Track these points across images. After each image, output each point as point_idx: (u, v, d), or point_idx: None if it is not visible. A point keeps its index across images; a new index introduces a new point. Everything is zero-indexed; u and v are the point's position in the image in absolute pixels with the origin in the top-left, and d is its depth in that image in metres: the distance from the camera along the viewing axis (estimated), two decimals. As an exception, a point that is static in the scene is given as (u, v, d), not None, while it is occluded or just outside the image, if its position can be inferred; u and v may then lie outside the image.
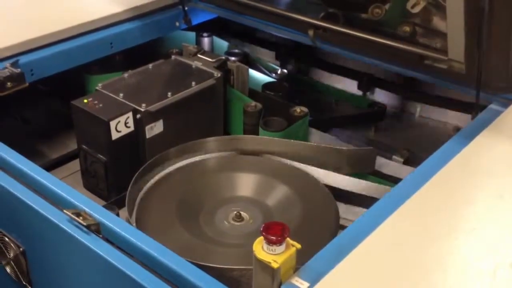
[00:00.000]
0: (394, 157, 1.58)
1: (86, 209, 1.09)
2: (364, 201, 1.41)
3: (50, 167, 1.62)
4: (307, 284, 0.87)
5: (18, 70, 1.49)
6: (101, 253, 1.03)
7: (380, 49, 1.45)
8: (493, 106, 1.34)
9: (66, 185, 1.17)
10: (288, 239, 0.87)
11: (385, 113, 1.82)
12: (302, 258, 0.91)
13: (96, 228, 1.06)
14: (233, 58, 1.77)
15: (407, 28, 1.46)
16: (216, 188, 1.40)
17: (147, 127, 1.45)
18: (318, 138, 1.64)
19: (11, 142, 1.31)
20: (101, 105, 1.44)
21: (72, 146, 1.66)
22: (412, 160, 1.57)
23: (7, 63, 1.50)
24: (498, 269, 0.91)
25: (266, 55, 2.10)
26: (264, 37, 2.09)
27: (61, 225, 1.09)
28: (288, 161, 1.47)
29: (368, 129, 1.80)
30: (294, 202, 1.34)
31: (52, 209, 1.13)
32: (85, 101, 1.45)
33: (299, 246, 0.87)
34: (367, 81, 1.88)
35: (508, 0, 1.18)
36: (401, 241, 0.98)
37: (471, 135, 1.22)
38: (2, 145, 1.29)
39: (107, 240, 1.06)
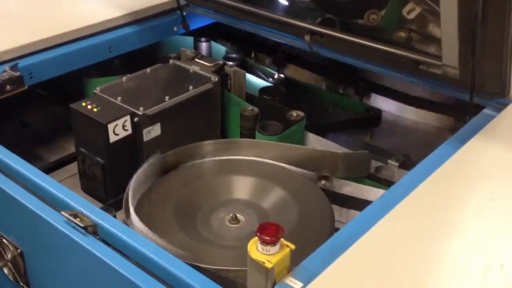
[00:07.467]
0: (389, 161, 1.59)
1: (84, 211, 1.10)
2: (359, 204, 1.42)
3: (48, 169, 1.63)
4: (300, 284, 0.88)
5: (17, 74, 1.50)
6: (98, 254, 1.04)
7: (376, 54, 1.46)
8: (486, 110, 1.35)
9: (64, 187, 1.18)
10: (282, 239, 0.88)
11: (381, 118, 1.83)
12: (297, 260, 0.92)
13: (93, 230, 1.07)
14: (230, 63, 1.79)
15: (403, 34, 1.47)
16: (213, 190, 1.40)
17: (145, 131, 1.46)
18: (314, 142, 1.65)
19: (10, 145, 1.32)
20: (99, 108, 1.45)
21: (71, 149, 1.66)
22: (408, 164, 1.58)
23: (6, 67, 1.51)
24: (489, 270, 0.92)
25: (263, 60, 2.12)
26: (262, 42, 2.10)
27: (58, 226, 1.10)
28: (284, 164, 1.48)
29: (364, 134, 1.81)
30: (290, 205, 1.35)
31: (50, 211, 1.14)
32: (84, 104, 1.46)
33: (293, 246, 0.88)
34: (363, 86, 1.90)
35: (501, 6, 1.20)
36: (394, 243, 0.99)
37: (464, 139, 1.23)
38: (1, 148, 1.30)
39: (104, 242, 1.07)
